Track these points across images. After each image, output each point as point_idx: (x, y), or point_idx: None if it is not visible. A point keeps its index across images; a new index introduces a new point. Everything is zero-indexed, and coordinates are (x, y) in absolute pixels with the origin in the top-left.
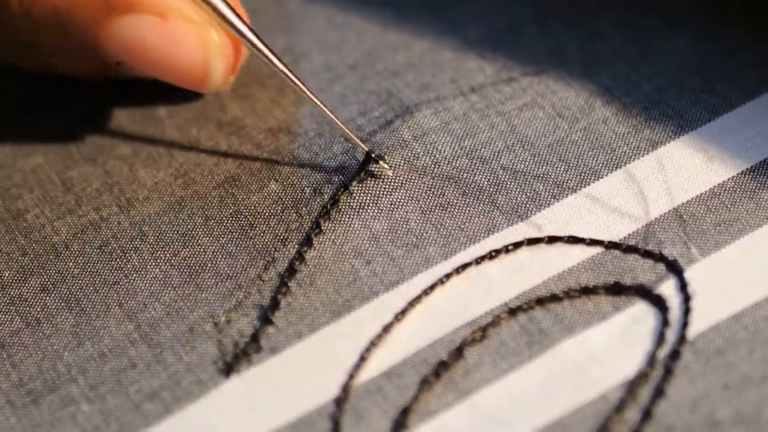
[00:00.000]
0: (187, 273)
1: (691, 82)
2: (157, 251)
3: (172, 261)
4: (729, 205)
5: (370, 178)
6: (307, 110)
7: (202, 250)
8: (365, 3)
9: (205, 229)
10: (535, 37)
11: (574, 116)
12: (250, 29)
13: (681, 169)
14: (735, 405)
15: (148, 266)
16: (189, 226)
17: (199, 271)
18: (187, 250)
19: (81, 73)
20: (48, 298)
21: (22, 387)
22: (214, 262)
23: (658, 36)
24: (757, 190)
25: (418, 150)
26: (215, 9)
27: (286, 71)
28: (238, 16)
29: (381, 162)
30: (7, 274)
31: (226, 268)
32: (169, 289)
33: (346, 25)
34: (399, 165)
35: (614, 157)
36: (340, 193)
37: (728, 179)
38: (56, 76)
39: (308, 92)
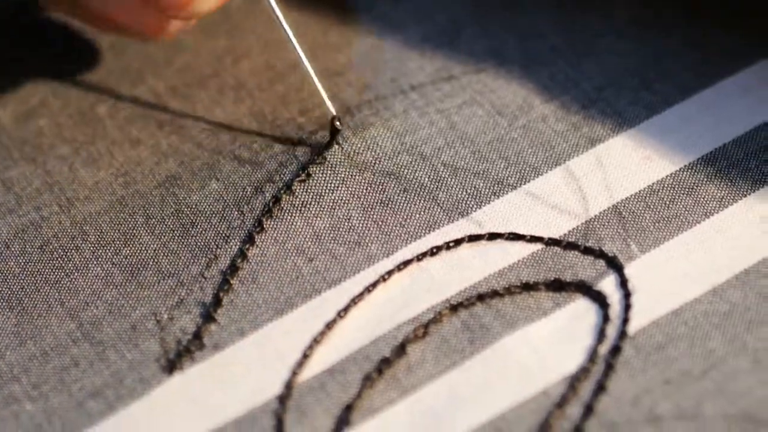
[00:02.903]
0: (128, 271)
1: (630, 81)
2: (98, 250)
3: (114, 260)
4: (668, 202)
5: (310, 178)
6: (247, 109)
7: (143, 248)
8: (306, 3)
9: (146, 228)
10: (474, 37)
11: (513, 114)
12: None
13: (620, 167)
14: (675, 399)
15: (90, 265)
16: (130, 225)
17: (141, 269)
18: (129, 248)
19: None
20: None
21: None
22: (155, 260)
23: (596, 36)
24: (695, 187)
25: (359, 146)
26: None
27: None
28: None
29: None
30: None
31: (167, 266)
32: (111, 287)
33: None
34: (340, 161)
35: (553, 155)
36: (282, 192)
37: (666, 176)
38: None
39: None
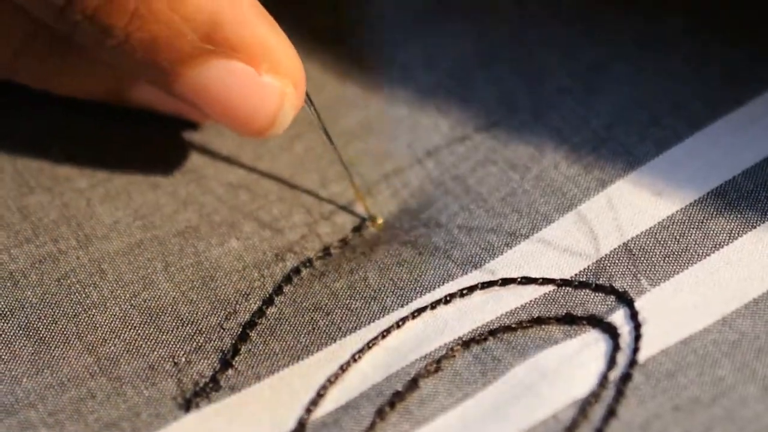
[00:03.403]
0: (147, 315)
1: (639, 114)
2: (116, 290)
3: (132, 302)
4: (678, 237)
5: (330, 256)
6: (266, 168)
7: (162, 294)
8: (322, 50)
9: (165, 275)
10: (483, 84)
11: (526, 166)
12: None
13: (630, 205)
14: (685, 426)
15: (108, 304)
16: (149, 270)
17: (160, 314)
18: (147, 292)
19: (93, 97)
20: (5, 324)
21: None
22: (174, 308)
23: (602, 68)
24: (705, 221)
25: (377, 231)
26: None
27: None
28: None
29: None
30: None
31: (186, 314)
32: (129, 328)
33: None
34: (359, 244)
35: (565, 201)
36: (303, 265)
37: (677, 211)
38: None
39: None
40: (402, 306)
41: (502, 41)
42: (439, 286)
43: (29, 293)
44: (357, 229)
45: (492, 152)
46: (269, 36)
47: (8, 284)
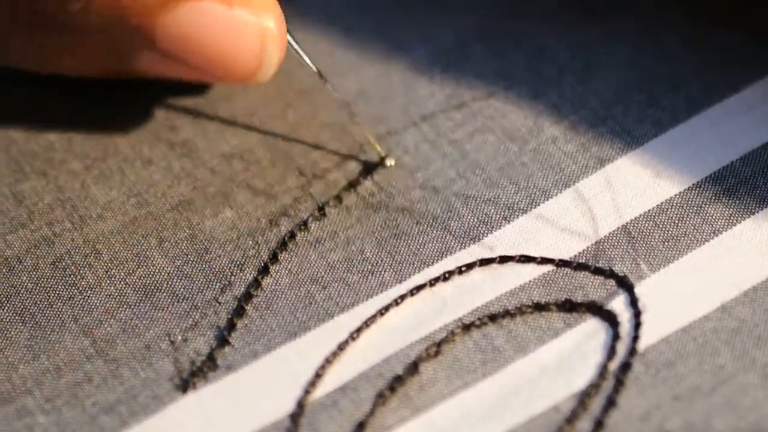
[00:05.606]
0: (142, 292)
1: (637, 95)
2: (111, 269)
3: (127, 280)
4: (677, 221)
5: (325, 217)
6: (259, 137)
7: (157, 270)
8: (311, 25)
9: (159, 251)
10: (481, 57)
11: (524, 138)
12: None
13: (629, 186)
14: (685, 415)
15: (103, 284)
16: (143, 247)
17: (155, 291)
18: (142, 270)
19: (92, 73)
20: (1, 311)
21: None
22: (169, 283)
23: (601, 47)
24: (703, 205)
25: (372, 188)
26: None
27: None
28: None
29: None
30: None
31: (182, 290)
32: (125, 307)
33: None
34: (354, 204)
35: (563, 177)
36: (297, 228)
37: (675, 195)
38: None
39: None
40: (400, 282)
41: (502, 16)
42: (437, 260)
43: (24, 278)
44: (351, 186)
45: (490, 120)
46: None
47: (3, 270)
